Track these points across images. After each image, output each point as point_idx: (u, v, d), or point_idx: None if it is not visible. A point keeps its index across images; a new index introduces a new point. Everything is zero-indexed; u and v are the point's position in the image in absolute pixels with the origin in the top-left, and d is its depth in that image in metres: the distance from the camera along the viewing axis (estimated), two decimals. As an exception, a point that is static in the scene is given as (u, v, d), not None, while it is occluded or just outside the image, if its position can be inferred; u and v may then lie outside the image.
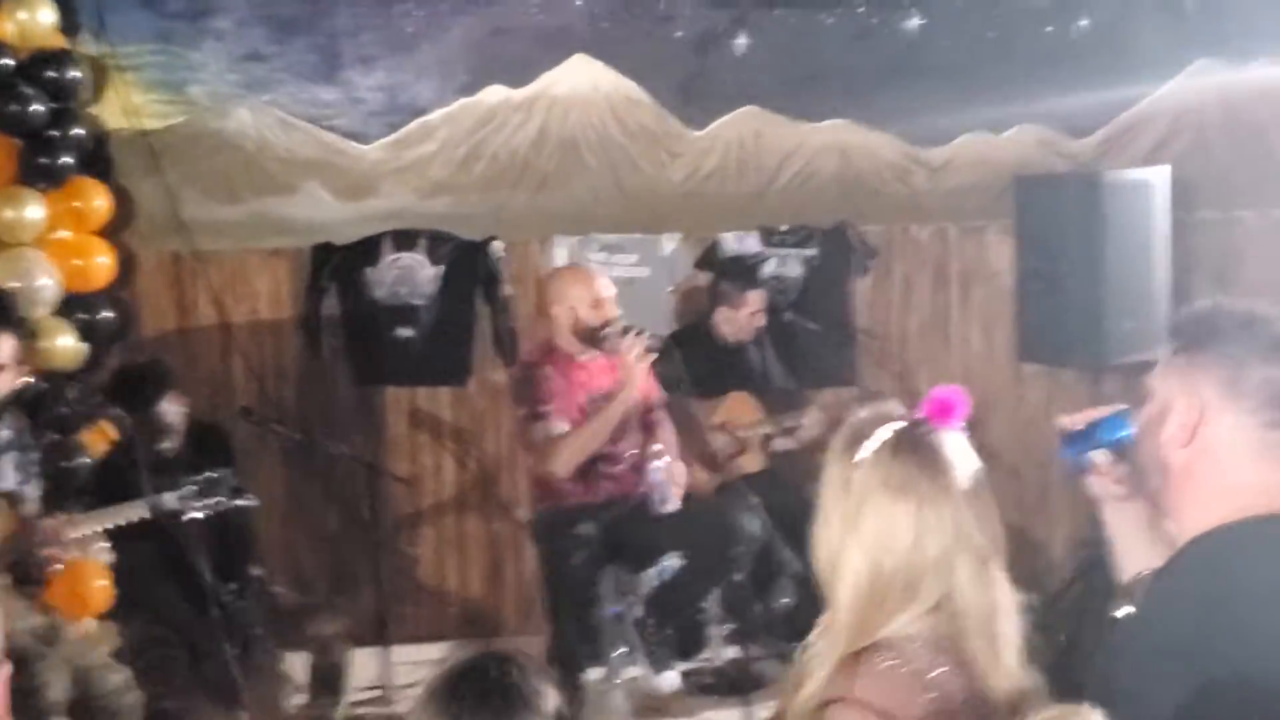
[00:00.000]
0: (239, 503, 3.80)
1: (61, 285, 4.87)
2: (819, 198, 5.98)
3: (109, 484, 4.28)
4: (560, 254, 5.83)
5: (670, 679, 4.76)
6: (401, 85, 5.72)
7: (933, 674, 1.81)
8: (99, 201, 5.11)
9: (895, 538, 1.85)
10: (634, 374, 4.51)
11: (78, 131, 5.01)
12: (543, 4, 5.74)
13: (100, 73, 5.37)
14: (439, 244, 5.71)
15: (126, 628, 4.39)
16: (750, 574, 4.59)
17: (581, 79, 5.86)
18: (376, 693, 4.68)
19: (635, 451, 4.67)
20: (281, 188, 5.69)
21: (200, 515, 3.71)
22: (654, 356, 4.50)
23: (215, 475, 3.76)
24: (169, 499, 3.67)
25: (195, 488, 3.71)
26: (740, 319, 5.45)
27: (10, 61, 4.81)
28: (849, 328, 5.94)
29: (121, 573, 4.28)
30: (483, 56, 5.76)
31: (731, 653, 5.15)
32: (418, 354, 5.74)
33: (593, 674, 4.55)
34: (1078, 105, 5.96)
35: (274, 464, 5.45)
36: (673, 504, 4.51)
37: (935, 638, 1.84)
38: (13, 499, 3.72)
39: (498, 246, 5.70)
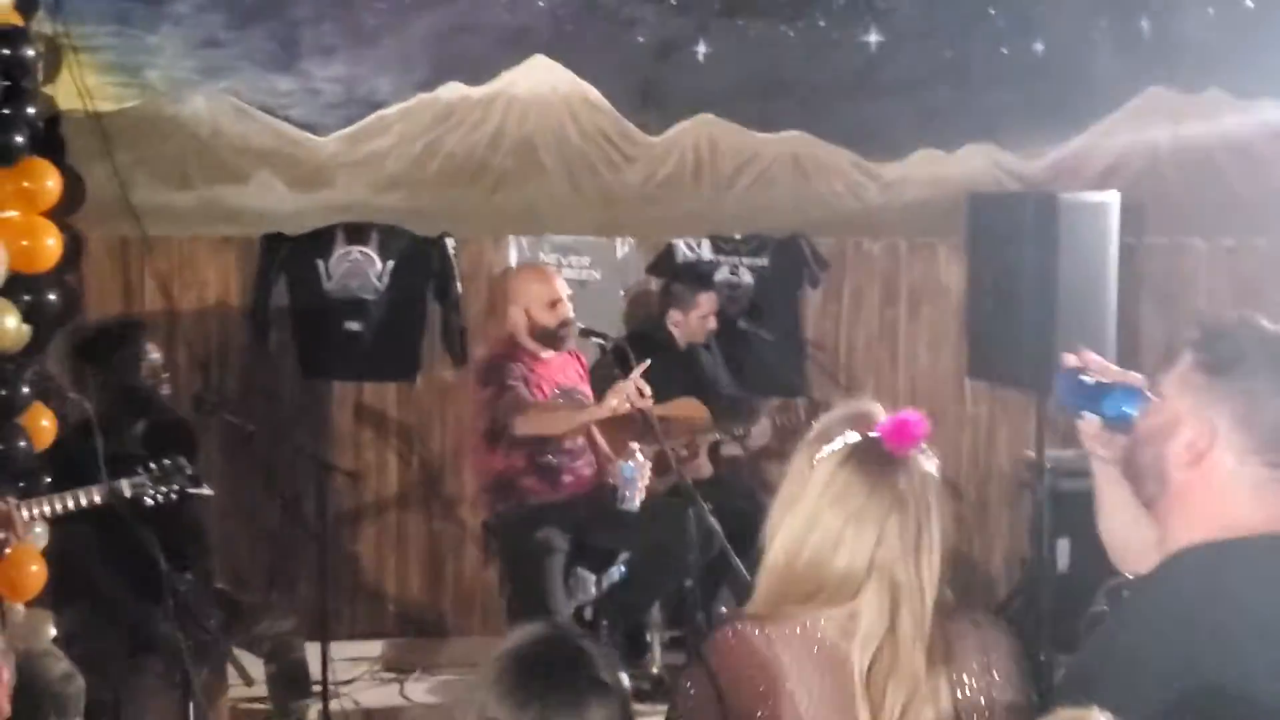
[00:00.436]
0: (195, 492, 3.76)
1: (7, 265, 4.79)
2: (773, 208, 6.02)
3: (61, 466, 4.23)
4: (513, 254, 5.82)
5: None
6: (360, 78, 5.69)
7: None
8: (49, 182, 5.01)
9: (812, 539, 1.90)
10: (617, 401, 4.49)
11: (30, 110, 4.92)
12: (507, 3, 5.74)
13: (55, 52, 5.29)
14: (391, 239, 5.69)
15: (61, 616, 4.32)
16: (696, 580, 4.60)
17: (541, 80, 5.86)
18: (315, 688, 4.63)
19: (594, 449, 4.69)
20: (234, 176, 5.64)
21: (154, 502, 3.67)
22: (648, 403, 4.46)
23: (171, 462, 3.71)
24: (124, 484, 3.62)
25: (152, 474, 3.66)
26: (692, 322, 5.49)
27: (-38, 37, 4.73)
28: (799, 338, 5.98)
29: (57, 557, 4.22)
30: (443, 52, 5.74)
31: (671, 659, 5.17)
32: (366, 348, 5.72)
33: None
34: (1030, 127, 6.05)
35: (214, 454, 5.38)
36: (635, 503, 4.53)
37: (834, 636, 1.89)
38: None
39: (450, 243, 5.69)
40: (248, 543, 5.59)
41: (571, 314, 4.86)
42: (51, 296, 5.01)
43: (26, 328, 4.86)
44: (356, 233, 5.68)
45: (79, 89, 5.35)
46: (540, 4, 5.76)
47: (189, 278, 5.59)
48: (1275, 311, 1.88)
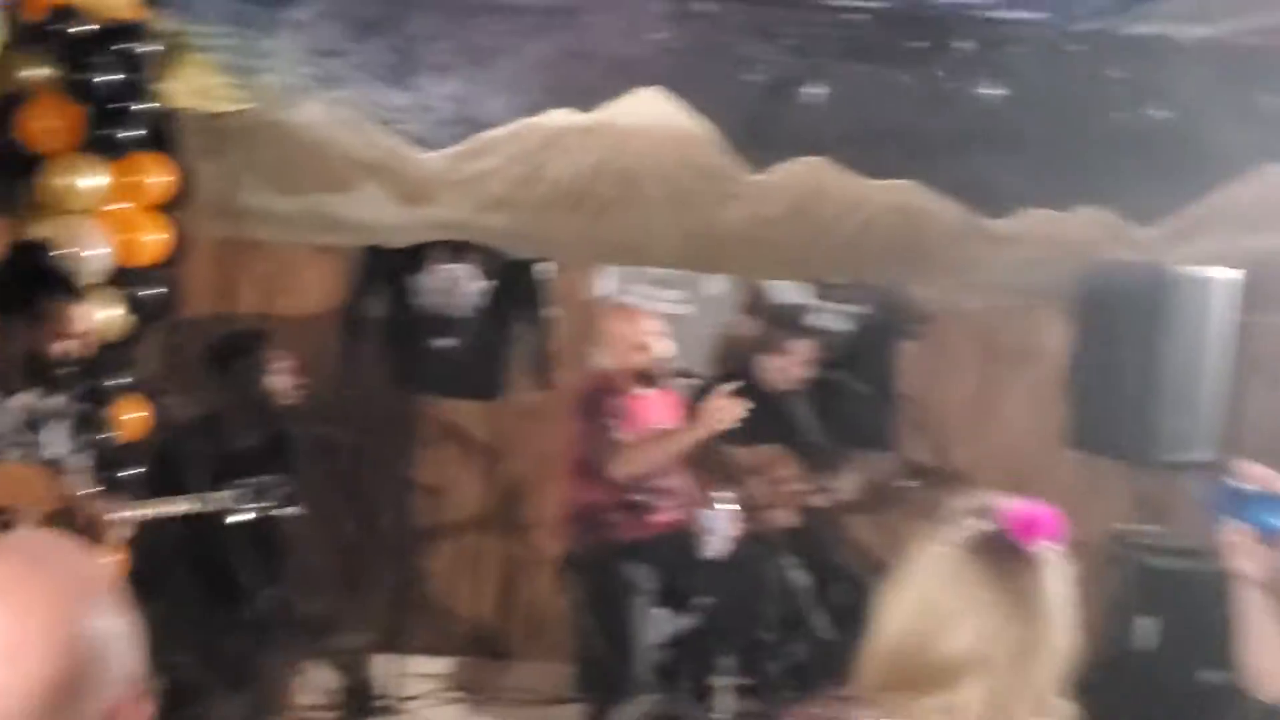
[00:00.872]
0: (285, 512, 3.74)
1: (114, 257, 4.84)
2: (875, 256, 5.93)
3: (161, 465, 4.24)
4: (608, 283, 5.79)
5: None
6: (472, 97, 5.70)
7: None
8: (159, 178, 5.08)
9: (922, 624, 1.83)
10: (709, 422, 4.45)
11: (146, 106, 4.98)
12: (624, 32, 5.71)
13: (175, 50, 5.35)
14: (488, 259, 5.68)
15: (137, 609, 4.32)
16: (773, 631, 4.51)
17: (649, 111, 5.82)
18: (381, 703, 4.61)
19: (685, 489, 4.64)
20: (340, 185, 5.67)
21: (247, 518, 3.66)
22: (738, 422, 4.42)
23: (270, 480, 3.71)
24: (216, 497, 3.62)
25: (249, 490, 3.66)
26: (785, 367, 5.39)
27: (88, 29, 4.79)
28: (891, 392, 5.86)
29: (142, 552, 4.22)
30: (555, 78, 5.73)
31: (740, 705, 5.07)
32: (454, 366, 5.69)
33: (617, 712, 4.48)
34: (1147, 193, 5.89)
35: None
36: (719, 551, 4.46)
37: None
38: (58, 468, 3.67)
39: (545, 268, 5.67)
40: (325, 552, 5.57)
41: (663, 352, 4.80)
42: (154, 290, 5.07)
43: (129, 318, 4.91)
44: (454, 251, 5.67)
45: (196, 88, 5.41)
46: (657, 35, 5.73)
47: (287, 283, 5.63)
48: None
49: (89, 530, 3.51)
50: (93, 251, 4.73)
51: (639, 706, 4.48)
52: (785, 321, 5.63)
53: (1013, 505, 1.87)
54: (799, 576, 4.18)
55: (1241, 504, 1.90)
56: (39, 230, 4.67)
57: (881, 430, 5.80)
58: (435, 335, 5.66)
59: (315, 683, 4.10)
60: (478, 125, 5.71)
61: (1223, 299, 4.91)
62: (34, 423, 3.70)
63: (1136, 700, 4.80)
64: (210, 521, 3.67)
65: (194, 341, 4.95)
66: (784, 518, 5.13)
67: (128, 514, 3.58)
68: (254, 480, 3.69)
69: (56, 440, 3.75)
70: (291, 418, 4.71)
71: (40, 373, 3.67)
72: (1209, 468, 1.91)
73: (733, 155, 5.85)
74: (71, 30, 4.73)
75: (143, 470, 4.50)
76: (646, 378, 4.66)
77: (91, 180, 4.77)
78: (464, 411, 5.77)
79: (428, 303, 5.65)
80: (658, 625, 4.65)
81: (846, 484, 5.17)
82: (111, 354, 4.63)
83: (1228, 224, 6.00)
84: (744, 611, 4.57)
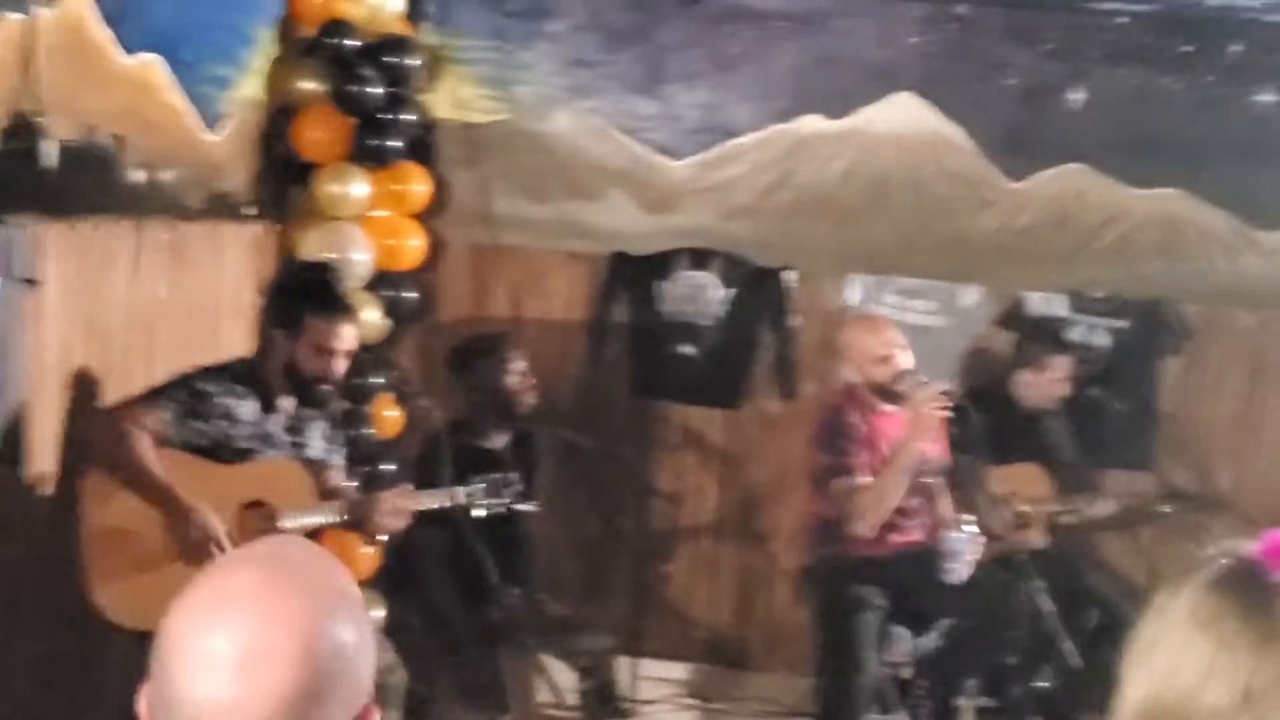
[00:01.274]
0: (521, 507, 3.81)
1: (374, 262, 5.04)
2: (1138, 268, 5.65)
3: (420, 465, 4.38)
4: (854, 292, 5.70)
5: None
6: (719, 105, 5.70)
7: None
8: (419, 186, 5.26)
9: (1180, 674, 1.67)
10: (923, 424, 4.35)
11: (409, 117, 5.17)
12: (877, 37, 5.62)
13: (436, 63, 5.54)
14: (732, 267, 5.69)
15: (391, 605, 4.48)
16: (1018, 656, 4.36)
17: (901, 117, 5.70)
18: (625, 706, 4.66)
19: (928, 509, 4.53)
20: (588, 193, 5.75)
21: (483, 514, 3.74)
22: (948, 412, 4.32)
23: (503, 476, 3.78)
24: (459, 492, 3.72)
25: (483, 485, 3.74)
26: (1044, 384, 5.17)
27: (356, 43, 4.99)
28: (1153, 410, 5.59)
29: (396, 548, 4.36)
30: (805, 84, 5.68)
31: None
32: (696, 373, 5.73)
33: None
34: None
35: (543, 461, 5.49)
36: (961, 576, 4.32)
37: None
38: (317, 467, 3.83)
39: (790, 276, 5.63)
40: (565, 553, 5.67)
41: (908, 364, 4.65)
42: (411, 295, 5.25)
43: (386, 322, 5.10)
44: (699, 258, 5.71)
45: (454, 99, 5.58)
46: (911, 40, 5.62)
47: (537, 288, 5.75)
48: None
49: (362, 523, 3.65)
50: (355, 257, 4.93)
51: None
52: (1044, 336, 5.41)
53: (1271, 534, 1.73)
54: (1046, 600, 4.00)
55: None
56: (307, 237, 4.90)
57: (1140, 450, 5.53)
58: (678, 342, 5.71)
59: (556, 683, 4.14)
60: (725, 133, 5.70)
61: None
62: (296, 426, 3.85)
63: None
64: (460, 523, 3.76)
65: (445, 344, 5.10)
66: (1034, 539, 4.96)
67: (414, 506, 3.69)
68: (494, 476, 3.76)
69: (318, 438, 3.90)
70: (534, 419, 4.79)
71: (301, 387, 3.80)
72: None
73: (989, 162, 5.68)
74: (342, 44, 4.95)
75: (397, 468, 4.66)
76: (889, 393, 4.54)
77: (356, 188, 4.98)
78: (705, 419, 5.78)
79: (672, 310, 5.70)
80: (896, 644, 4.55)
81: (1101, 506, 4.96)
82: (369, 355, 4.80)
83: None
84: (987, 634, 4.42)
